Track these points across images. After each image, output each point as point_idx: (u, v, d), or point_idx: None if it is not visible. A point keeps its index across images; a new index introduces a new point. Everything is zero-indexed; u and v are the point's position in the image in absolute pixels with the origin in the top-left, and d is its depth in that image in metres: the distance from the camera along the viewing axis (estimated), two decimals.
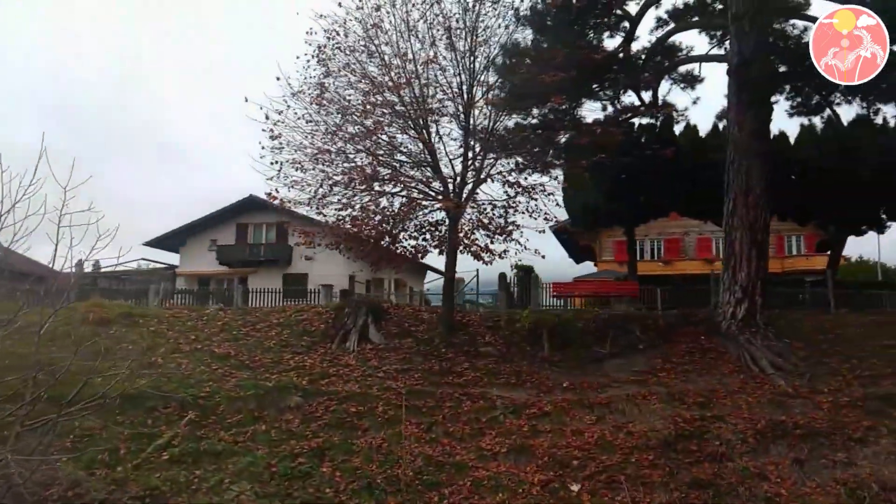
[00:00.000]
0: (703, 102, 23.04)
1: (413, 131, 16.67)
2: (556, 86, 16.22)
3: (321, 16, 16.91)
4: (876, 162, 20.10)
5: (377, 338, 17.79)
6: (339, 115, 17.05)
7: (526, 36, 19.53)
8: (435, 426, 14.00)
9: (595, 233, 40.80)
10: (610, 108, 20.84)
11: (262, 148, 16.53)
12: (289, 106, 16.57)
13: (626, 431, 13.46)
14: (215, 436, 13.33)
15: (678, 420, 13.57)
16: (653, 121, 22.00)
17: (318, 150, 16.66)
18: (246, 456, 12.74)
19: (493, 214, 17.43)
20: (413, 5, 16.87)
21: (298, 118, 16.78)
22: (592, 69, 18.21)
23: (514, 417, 14.17)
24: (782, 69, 16.32)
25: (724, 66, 17.85)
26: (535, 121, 19.32)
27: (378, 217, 16.18)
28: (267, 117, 16.52)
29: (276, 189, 16.44)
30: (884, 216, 24.95)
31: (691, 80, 21.53)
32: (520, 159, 17.78)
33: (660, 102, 20.25)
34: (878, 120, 20.70)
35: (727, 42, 19.87)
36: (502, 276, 23.27)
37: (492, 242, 16.85)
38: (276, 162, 16.50)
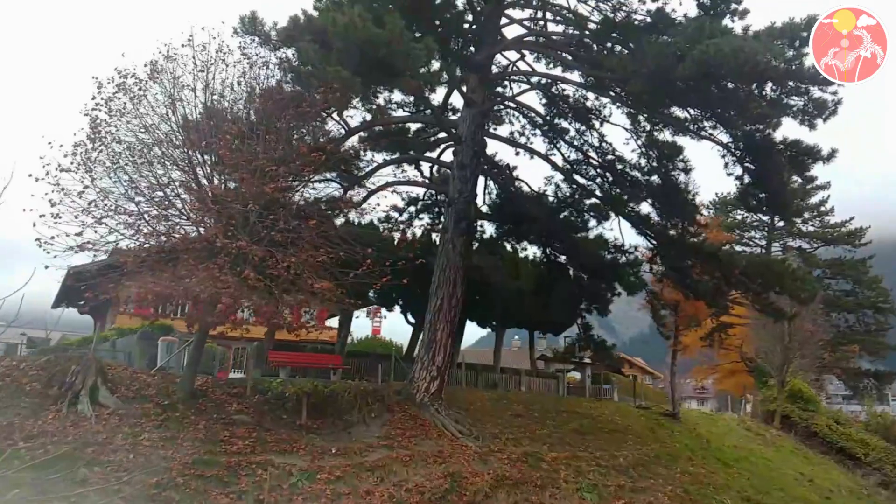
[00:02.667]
0: None
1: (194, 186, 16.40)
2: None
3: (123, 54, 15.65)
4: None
5: (111, 401, 15.88)
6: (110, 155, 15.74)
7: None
8: (245, 495, 14.11)
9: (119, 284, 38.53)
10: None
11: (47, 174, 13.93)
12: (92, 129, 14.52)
13: (405, 489, 16.12)
14: None
15: (434, 477, 16.93)
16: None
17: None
18: None
19: None
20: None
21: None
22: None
23: (310, 483, 15.24)
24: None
25: None
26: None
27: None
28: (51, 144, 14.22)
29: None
30: None
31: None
32: None
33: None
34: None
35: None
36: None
37: None
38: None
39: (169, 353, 19.88)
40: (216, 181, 16.15)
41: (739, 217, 62.21)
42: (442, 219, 27.43)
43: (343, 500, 15.01)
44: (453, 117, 23.82)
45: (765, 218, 57.93)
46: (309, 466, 15.89)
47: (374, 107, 23.36)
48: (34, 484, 12.02)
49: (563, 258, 25.54)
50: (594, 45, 20.48)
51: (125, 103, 15.97)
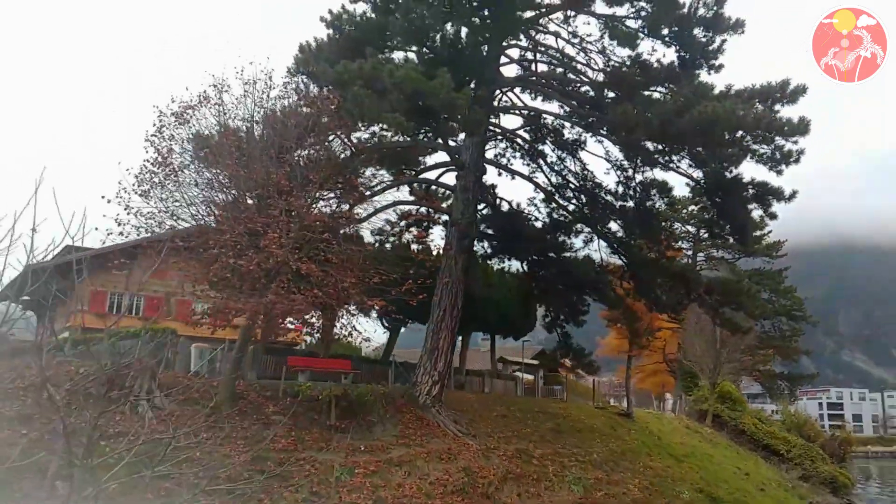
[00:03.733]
0: None
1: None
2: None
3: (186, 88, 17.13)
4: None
5: (165, 403, 17.33)
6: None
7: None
8: (300, 488, 15.89)
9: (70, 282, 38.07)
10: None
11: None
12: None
13: (429, 482, 18.21)
14: None
15: (452, 472, 19.07)
16: None
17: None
18: None
19: None
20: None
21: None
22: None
23: (350, 477, 17.13)
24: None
25: None
26: None
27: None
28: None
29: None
30: None
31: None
32: None
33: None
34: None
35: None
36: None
37: None
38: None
39: (202, 358, 21.16)
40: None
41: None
42: (430, 233, 29.66)
43: (380, 491, 16.96)
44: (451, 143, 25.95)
45: (691, 230, 62.43)
46: (345, 462, 17.74)
47: (377, 130, 25.27)
48: (126, 480, 13.44)
49: (543, 273, 28.06)
50: (590, 89, 23.15)
51: (181, 132, 17.44)
